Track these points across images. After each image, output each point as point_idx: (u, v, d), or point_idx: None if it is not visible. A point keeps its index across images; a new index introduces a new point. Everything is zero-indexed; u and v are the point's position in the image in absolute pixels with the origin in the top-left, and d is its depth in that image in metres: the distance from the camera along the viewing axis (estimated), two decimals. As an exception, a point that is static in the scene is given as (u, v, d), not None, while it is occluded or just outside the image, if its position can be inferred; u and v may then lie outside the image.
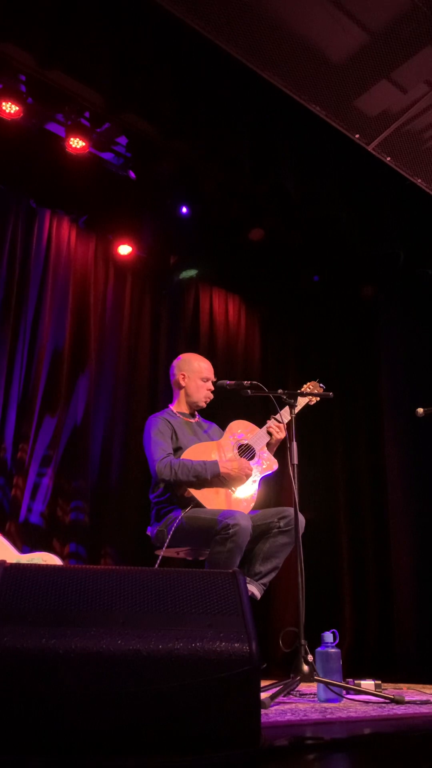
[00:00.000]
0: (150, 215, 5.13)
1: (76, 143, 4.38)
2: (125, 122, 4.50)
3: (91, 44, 3.71)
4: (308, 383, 3.59)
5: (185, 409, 3.48)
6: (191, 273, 5.43)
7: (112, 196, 4.91)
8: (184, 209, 5.22)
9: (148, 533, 3.23)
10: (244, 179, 4.74)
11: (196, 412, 3.53)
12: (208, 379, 3.48)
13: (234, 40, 3.53)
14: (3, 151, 4.38)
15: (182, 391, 3.48)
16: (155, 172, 4.81)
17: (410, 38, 3.60)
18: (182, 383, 3.47)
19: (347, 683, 2.73)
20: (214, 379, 3.49)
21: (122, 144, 4.72)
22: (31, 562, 2.86)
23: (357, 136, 4.08)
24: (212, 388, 3.47)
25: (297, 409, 3.22)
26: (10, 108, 4.10)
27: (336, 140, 4.16)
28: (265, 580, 3.06)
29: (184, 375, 3.48)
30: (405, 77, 3.84)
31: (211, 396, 3.49)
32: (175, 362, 3.55)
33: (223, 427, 3.45)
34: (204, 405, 3.49)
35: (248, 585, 2.92)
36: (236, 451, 3.30)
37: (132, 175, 4.91)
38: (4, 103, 4.08)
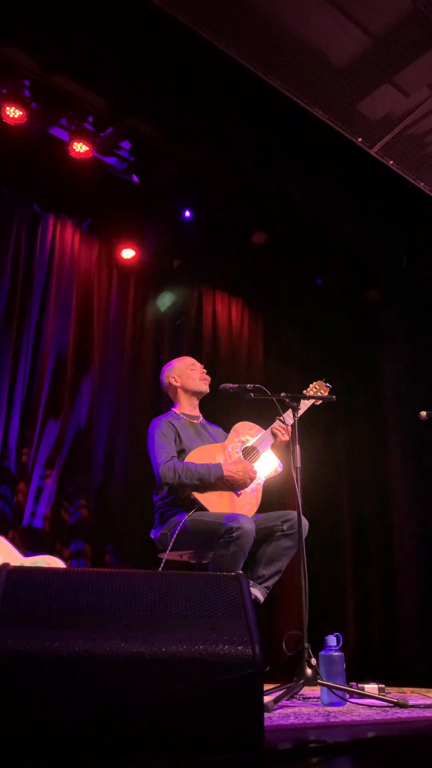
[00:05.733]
0: (153, 219, 5.15)
1: (80, 148, 4.41)
2: (128, 126, 4.52)
3: (95, 49, 3.73)
4: (314, 383, 3.57)
5: (188, 409, 3.48)
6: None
7: (115, 200, 4.94)
8: (187, 213, 5.24)
9: (152, 536, 3.23)
10: (246, 183, 4.75)
11: (201, 415, 3.52)
12: (195, 365, 3.53)
13: (237, 44, 3.54)
14: (7, 156, 4.41)
15: (179, 390, 3.49)
16: (158, 176, 4.83)
17: (413, 42, 3.61)
18: (176, 383, 3.49)
19: (351, 687, 2.73)
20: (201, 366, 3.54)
21: (125, 148, 4.74)
22: (35, 566, 2.86)
23: (360, 139, 4.09)
24: (204, 370, 3.52)
25: (302, 411, 3.21)
26: (14, 113, 4.13)
27: (339, 144, 4.16)
28: (269, 583, 3.06)
29: (174, 377, 3.50)
30: (408, 81, 3.85)
31: (208, 378, 3.51)
32: (161, 377, 3.58)
33: (227, 429, 3.45)
34: (206, 388, 3.49)
35: (251, 588, 2.92)
36: (241, 453, 3.29)
37: (135, 179, 4.92)
38: (8, 108, 4.11)
